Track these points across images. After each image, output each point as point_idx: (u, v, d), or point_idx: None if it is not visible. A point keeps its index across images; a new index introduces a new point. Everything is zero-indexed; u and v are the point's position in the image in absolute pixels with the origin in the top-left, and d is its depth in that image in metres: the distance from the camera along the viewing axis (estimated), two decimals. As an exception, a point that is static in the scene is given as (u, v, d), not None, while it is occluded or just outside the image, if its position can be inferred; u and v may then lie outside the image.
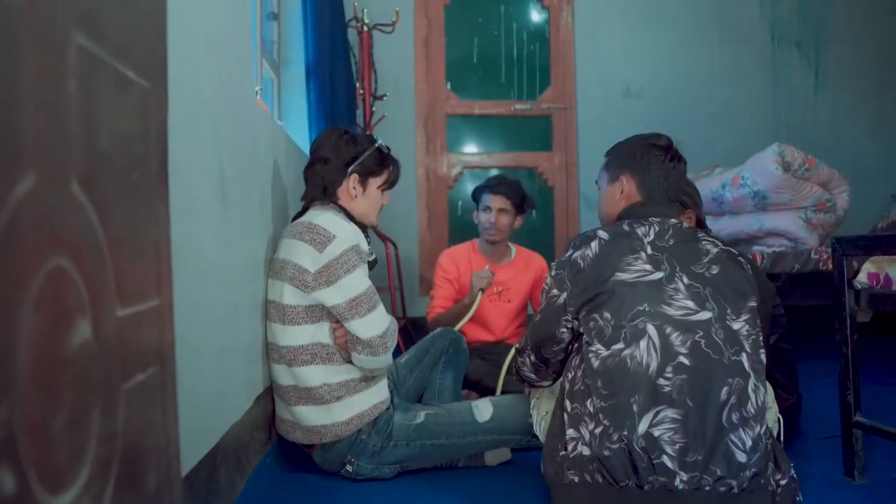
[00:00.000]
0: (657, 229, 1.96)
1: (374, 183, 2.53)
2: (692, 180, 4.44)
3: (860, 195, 5.44)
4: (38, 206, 0.62)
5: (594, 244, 1.95)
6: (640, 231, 1.95)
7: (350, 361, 2.33)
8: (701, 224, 2.60)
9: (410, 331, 4.45)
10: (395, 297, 4.47)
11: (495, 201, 3.47)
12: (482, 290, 3.29)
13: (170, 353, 0.97)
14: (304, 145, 3.96)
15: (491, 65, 5.41)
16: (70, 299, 0.68)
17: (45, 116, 0.64)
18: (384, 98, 4.54)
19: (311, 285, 2.25)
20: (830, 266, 3.99)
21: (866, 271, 2.26)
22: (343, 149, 2.49)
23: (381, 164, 2.54)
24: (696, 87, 5.54)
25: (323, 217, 2.32)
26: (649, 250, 1.90)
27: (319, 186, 2.46)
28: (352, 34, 4.61)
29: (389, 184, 2.58)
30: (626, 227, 1.97)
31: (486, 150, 5.38)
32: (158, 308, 0.92)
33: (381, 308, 2.33)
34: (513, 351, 3.14)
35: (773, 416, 2.18)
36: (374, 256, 2.53)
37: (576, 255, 1.96)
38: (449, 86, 5.32)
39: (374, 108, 4.46)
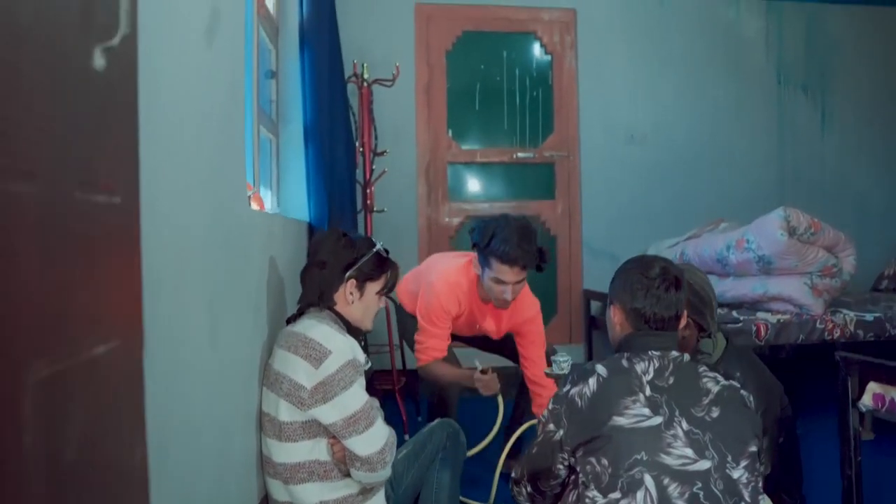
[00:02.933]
0: (657, 365, 1.90)
1: (372, 288, 2.48)
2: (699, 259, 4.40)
3: (866, 237, 5.39)
4: None
5: (592, 381, 1.90)
6: (640, 368, 1.90)
7: (348, 475, 2.29)
8: (702, 330, 2.53)
9: (413, 388, 4.41)
10: (395, 355, 4.42)
11: (509, 274, 2.97)
12: (496, 395, 3.07)
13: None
14: (302, 207, 3.92)
15: (493, 111, 5.35)
16: None
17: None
18: (384, 154, 4.49)
19: (308, 402, 2.21)
20: (836, 336, 3.95)
21: (871, 392, 2.21)
22: (341, 253, 2.44)
23: (380, 268, 2.49)
24: (701, 130, 5.48)
25: (318, 330, 2.28)
26: (648, 391, 1.85)
27: (316, 291, 2.42)
28: (352, 89, 4.57)
29: (388, 288, 2.54)
30: (625, 363, 1.92)
31: (489, 199, 5.33)
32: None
33: (379, 422, 2.29)
34: (513, 438, 3.11)
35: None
36: (370, 365, 2.49)
37: (573, 391, 1.91)
38: (450, 133, 5.27)
39: (374, 166, 4.41)
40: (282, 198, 4.05)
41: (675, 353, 1.95)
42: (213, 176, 1.90)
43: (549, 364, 2.78)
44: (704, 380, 1.91)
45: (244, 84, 2.33)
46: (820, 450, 3.08)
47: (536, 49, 5.39)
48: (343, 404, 2.21)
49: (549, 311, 5.33)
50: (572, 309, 5.34)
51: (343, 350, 2.24)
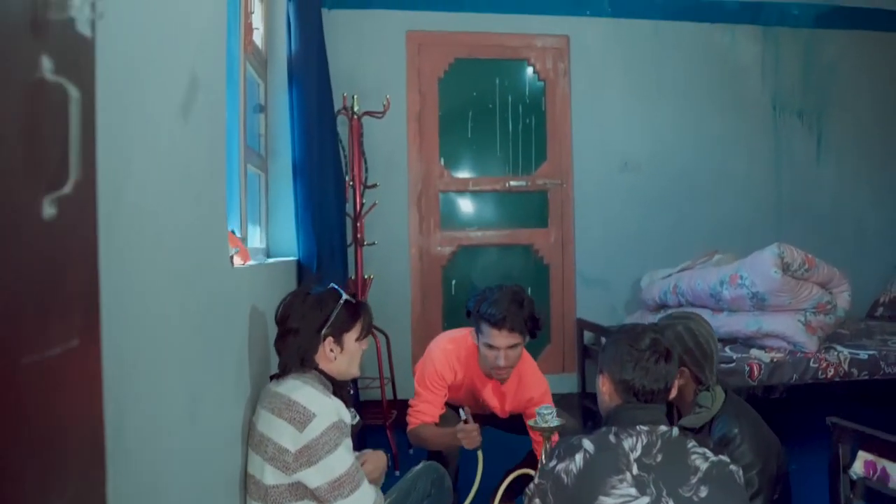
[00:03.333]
0: (645, 441, 1.86)
1: (351, 337, 2.45)
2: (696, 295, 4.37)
3: (862, 263, 5.35)
4: None
5: (579, 457, 1.86)
6: (627, 444, 1.86)
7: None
8: (700, 382, 2.50)
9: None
10: (385, 388, 4.38)
11: (501, 338, 2.87)
12: (477, 449, 2.90)
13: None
14: (292, 242, 3.88)
15: (486, 139, 5.31)
16: None
17: None
18: (375, 187, 4.45)
19: (292, 466, 2.18)
20: (830, 375, 3.91)
21: (862, 459, 2.17)
22: (310, 314, 2.40)
23: (353, 317, 2.46)
24: (696, 157, 5.44)
25: (303, 392, 2.24)
26: (635, 470, 1.82)
27: (296, 358, 2.37)
28: (342, 120, 4.52)
29: (366, 332, 2.50)
30: (612, 439, 1.88)
31: (481, 227, 5.29)
32: None
33: (364, 485, 2.26)
34: (507, 479, 3.05)
35: None
36: (357, 420, 2.45)
37: (559, 467, 1.87)
38: (443, 162, 5.23)
39: (364, 199, 4.37)
40: (271, 233, 4.01)
41: (663, 428, 1.91)
42: (191, 248, 1.85)
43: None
44: (693, 457, 1.87)
45: (225, 150, 2.28)
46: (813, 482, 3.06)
47: (529, 76, 5.36)
48: (328, 467, 2.18)
49: (542, 340, 5.31)
50: (565, 338, 5.30)
51: (328, 412, 2.21)
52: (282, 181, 4.08)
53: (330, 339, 2.39)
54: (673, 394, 2.13)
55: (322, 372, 2.40)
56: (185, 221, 1.79)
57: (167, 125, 1.66)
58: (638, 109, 5.38)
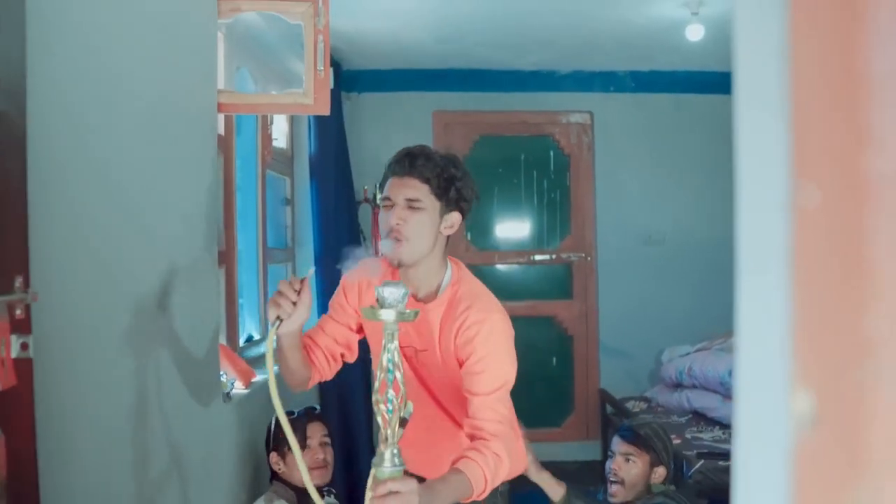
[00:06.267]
0: None
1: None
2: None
3: None
4: None
5: None
6: None
7: None
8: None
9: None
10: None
11: (396, 187, 1.92)
12: (279, 319, 1.71)
13: None
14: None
15: (510, 214, 5.49)
16: None
17: None
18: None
19: None
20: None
21: None
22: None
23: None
24: (720, 231, 5.47)
25: None
26: None
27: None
28: (365, 208, 4.76)
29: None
30: None
31: (505, 299, 5.39)
32: None
33: None
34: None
35: None
36: None
37: None
38: (468, 237, 5.41)
39: (385, 284, 4.58)
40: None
41: None
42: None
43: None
44: None
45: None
46: None
47: (553, 151, 5.50)
48: None
49: (565, 409, 5.44)
50: (588, 407, 5.41)
51: None
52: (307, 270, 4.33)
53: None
54: None
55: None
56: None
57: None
58: (662, 183, 5.46)
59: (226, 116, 3.02)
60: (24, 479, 1.33)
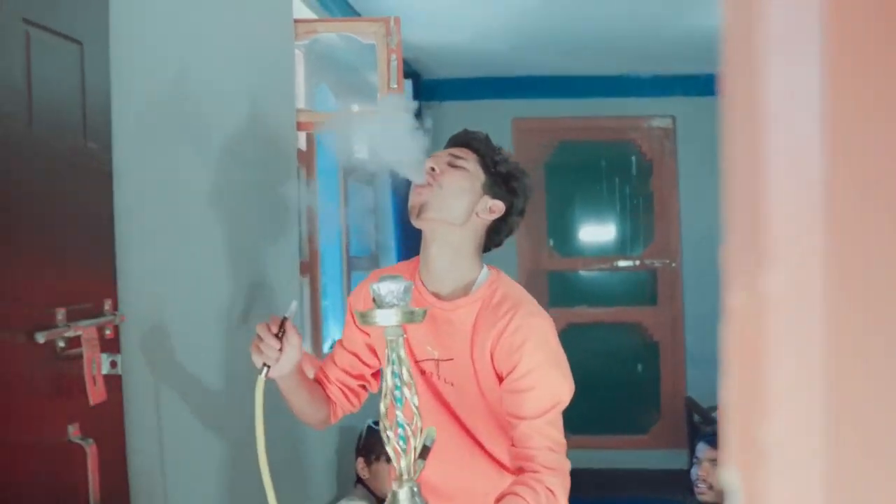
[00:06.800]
0: None
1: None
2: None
3: None
4: None
5: None
6: None
7: None
8: None
9: None
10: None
11: (445, 153, 1.66)
12: (266, 366, 1.49)
13: None
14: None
15: (593, 220, 5.46)
16: None
17: None
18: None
19: None
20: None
21: None
22: None
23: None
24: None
25: None
26: None
27: None
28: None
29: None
30: None
31: (590, 305, 5.41)
32: None
33: None
34: None
35: None
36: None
37: None
38: (551, 243, 5.40)
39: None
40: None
41: None
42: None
43: None
44: None
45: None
46: None
47: (636, 157, 5.44)
48: None
49: (652, 416, 5.37)
50: (675, 415, 5.31)
51: None
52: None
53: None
54: None
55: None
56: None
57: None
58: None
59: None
60: (116, 489, 1.42)
